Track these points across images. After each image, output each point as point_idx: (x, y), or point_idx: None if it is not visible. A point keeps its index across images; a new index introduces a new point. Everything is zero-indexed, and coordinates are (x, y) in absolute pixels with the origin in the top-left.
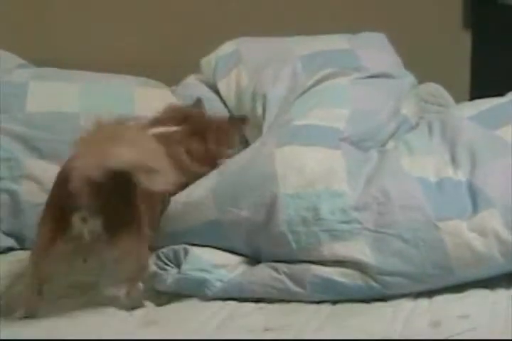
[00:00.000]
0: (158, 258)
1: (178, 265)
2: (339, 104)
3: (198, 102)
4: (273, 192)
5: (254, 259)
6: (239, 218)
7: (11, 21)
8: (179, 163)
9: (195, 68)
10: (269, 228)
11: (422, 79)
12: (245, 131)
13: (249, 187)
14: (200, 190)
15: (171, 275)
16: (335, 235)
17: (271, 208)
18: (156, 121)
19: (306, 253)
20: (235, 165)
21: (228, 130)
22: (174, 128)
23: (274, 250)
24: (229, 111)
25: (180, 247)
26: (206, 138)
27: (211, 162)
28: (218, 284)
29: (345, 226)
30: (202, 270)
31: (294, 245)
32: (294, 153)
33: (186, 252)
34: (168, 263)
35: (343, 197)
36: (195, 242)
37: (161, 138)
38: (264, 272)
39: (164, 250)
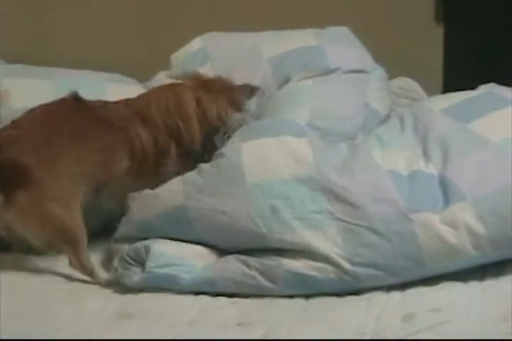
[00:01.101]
0: (121, 258)
1: (142, 263)
2: (298, 104)
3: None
4: (239, 181)
5: (221, 250)
6: (204, 204)
7: None
8: (183, 108)
9: (167, 64)
10: (238, 216)
11: (394, 73)
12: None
13: (216, 178)
14: (175, 183)
15: (135, 274)
16: (307, 223)
17: (238, 197)
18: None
19: (278, 239)
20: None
21: (240, 93)
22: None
23: (243, 238)
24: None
25: (141, 245)
26: (218, 94)
27: (218, 118)
28: (187, 276)
29: (316, 216)
30: (166, 265)
31: (264, 230)
32: (259, 144)
33: (147, 249)
34: (132, 262)
35: (311, 185)
36: (162, 231)
37: (170, 86)
38: (235, 267)
39: (126, 250)
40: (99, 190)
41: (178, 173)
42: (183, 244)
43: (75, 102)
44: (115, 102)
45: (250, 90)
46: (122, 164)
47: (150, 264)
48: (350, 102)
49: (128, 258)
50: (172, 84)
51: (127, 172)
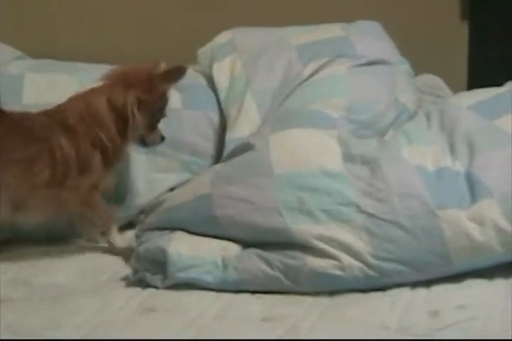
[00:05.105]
0: (138, 259)
1: (160, 262)
2: (337, 93)
3: (156, 63)
4: (266, 172)
5: (240, 243)
6: (231, 193)
7: (7, 13)
8: (97, 116)
9: (194, 61)
10: (263, 205)
11: (419, 70)
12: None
13: (243, 169)
14: (205, 174)
15: (159, 280)
16: (332, 216)
17: (265, 187)
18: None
19: (301, 230)
20: (233, 151)
21: (160, 81)
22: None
23: (266, 229)
24: (218, 99)
25: (155, 247)
26: (130, 86)
27: (129, 111)
28: (210, 279)
29: (342, 209)
30: (187, 267)
31: (288, 221)
32: (288, 135)
33: (163, 251)
34: (150, 262)
35: (339, 179)
36: (184, 222)
37: (82, 94)
38: (257, 268)
39: (141, 251)
40: (19, 203)
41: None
42: (199, 238)
43: None
44: (36, 113)
45: (175, 74)
46: (43, 175)
47: (170, 269)
48: (385, 96)
49: (145, 260)
50: (86, 91)
51: (48, 184)
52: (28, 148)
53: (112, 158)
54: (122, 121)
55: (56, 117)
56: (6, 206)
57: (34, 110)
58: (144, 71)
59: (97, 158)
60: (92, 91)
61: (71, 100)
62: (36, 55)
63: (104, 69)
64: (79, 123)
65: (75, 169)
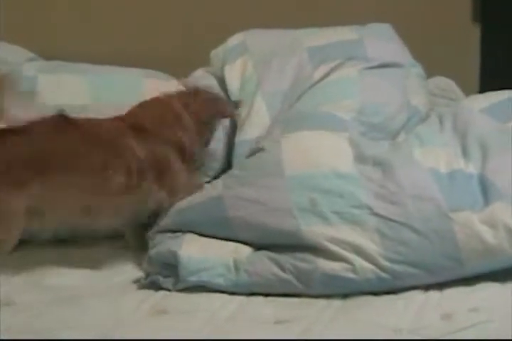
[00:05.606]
0: (150, 262)
1: (172, 266)
2: (348, 95)
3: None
4: (278, 173)
5: (251, 245)
6: (243, 195)
7: (19, 15)
8: (178, 117)
9: (206, 63)
10: (275, 206)
11: (431, 73)
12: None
13: (255, 170)
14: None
15: (171, 283)
16: (344, 218)
17: (276, 188)
18: None
19: (313, 232)
20: (245, 153)
21: (227, 103)
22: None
23: (277, 230)
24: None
25: (167, 251)
26: (205, 100)
27: (211, 121)
28: (222, 282)
29: (355, 211)
30: (198, 271)
31: (300, 222)
32: (300, 137)
33: (175, 255)
34: (162, 266)
35: (351, 181)
36: (196, 223)
37: (157, 98)
38: (269, 271)
39: (153, 254)
40: (93, 210)
41: (185, 185)
42: (210, 240)
43: (62, 121)
44: (105, 118)
45: (234, 103)
46: (117, 181)
47: (182, 272)
48: (396, 99)
49: (157, 263)
50: (157, 97)
51: (124, 191)
52: (100, 154)
53: (190, 161)
54: (198, 125)
55: (128, 120)
56: (74, 212)
57: (49, 111)
58: (210, 92)
59: (174, 159)
60: (166, 97)
61: (142, 106)
62: (48, 56)
63: (116, 70)
64: (156, 124)
65: (151, 173)
